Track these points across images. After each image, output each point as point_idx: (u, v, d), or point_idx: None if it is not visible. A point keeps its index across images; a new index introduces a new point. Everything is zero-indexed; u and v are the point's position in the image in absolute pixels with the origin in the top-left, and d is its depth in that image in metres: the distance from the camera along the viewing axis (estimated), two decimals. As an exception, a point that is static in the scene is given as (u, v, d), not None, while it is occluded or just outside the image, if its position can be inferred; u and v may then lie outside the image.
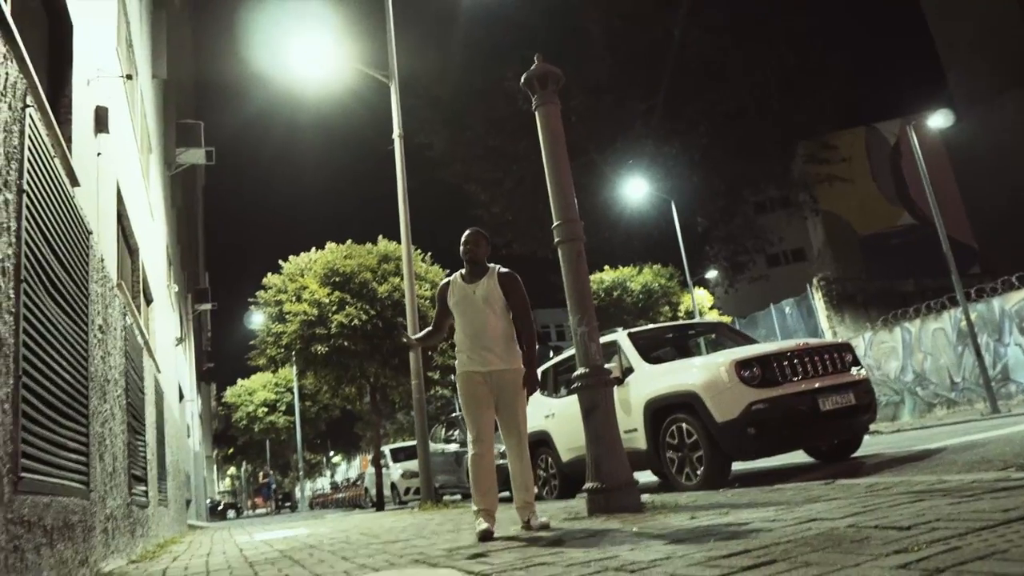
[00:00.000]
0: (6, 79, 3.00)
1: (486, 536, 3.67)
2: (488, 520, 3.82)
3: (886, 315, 18.62)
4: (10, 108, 3.04)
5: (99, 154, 5.51)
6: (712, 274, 30.79)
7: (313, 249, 14.55)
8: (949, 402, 16.56)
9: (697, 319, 19.32)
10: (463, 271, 4.37)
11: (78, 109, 4.75)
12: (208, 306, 23.65)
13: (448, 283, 4.38)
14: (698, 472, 5.83)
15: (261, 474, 30.68)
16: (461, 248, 4.36)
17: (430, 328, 4.55)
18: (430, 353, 13.88)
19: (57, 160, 3.85)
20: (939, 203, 15.15)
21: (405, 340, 4.92)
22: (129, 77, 7.45)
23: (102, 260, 5.13)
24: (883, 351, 18.33)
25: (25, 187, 3.16)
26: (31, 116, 3.32)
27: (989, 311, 15.66)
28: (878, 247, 37.63)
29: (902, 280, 22.54)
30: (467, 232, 4.40)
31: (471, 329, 4.15)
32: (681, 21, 25.31)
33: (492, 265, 4.34)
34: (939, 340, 16.86)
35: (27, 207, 3.16)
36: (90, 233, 4.63)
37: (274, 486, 33.52)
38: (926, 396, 17.17)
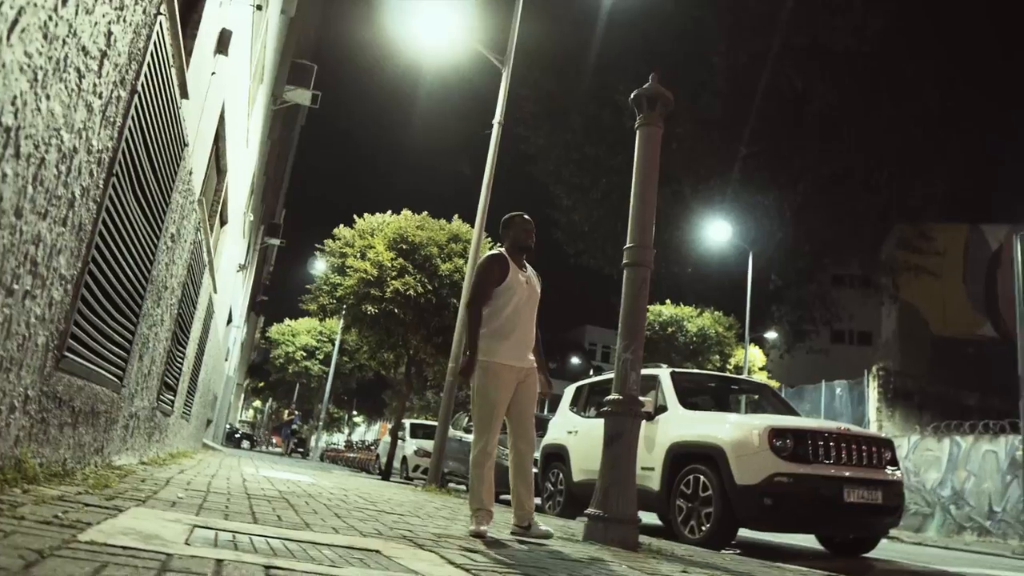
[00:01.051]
0: (145, -16, 3.14)
1: (481, 536, 3.64)
2: (488, 521, 3.80)
3: (939, 423, 17.90)
4: (144, 13, 3.18)
5: (213, 73, 5.71)
6: (772, 335, 30.08)
7: (389, 212, 14.78)
8: (982, 529, 15.83)
9: (745, 376, 18.93)
10: (504, 250, 4.14)
11: (205, 27, 4.93)
12: (277, 242, 24.25)
13: (505, 259, 4.06)
14: (703, 528, 5.72)
15: (287, 412, 29.63)
16: (521, 232, 4.13)
17: (481, 309, 4.00)
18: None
19: (174, 70, 4.00)
20: (1025, 324, 14.46)
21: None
22: (259, 7, 7.70)
23: (190, 173, 5.32)
24: (926, 459, 17.62)
25: (139, 89, 3.30)
26: (161, 24, 3.47)
27: (1049, 447, 14.90)
28: (950, 352, 36.12)
29: (967, 392, 21.63)
30: (524, 216, 4.21)
31: (516, 320, 3.95)
32: (808, 73, 24.73)
33: (525, 261, 4.21)
34: (988, 463, 16.12)
35: (136, 107, 3.30)
36: (186, 146, 4.81)
37: (295, 426, 32.07)
38: (959, 517, 16.44)
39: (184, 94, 4.44)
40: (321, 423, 33.55)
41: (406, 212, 14.69)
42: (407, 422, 18.41)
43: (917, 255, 28.86)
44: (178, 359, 6.93)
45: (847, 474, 5.62)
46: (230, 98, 7.32)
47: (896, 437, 17.67)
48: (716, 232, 23.78)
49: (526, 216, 4.23)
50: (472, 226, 11.25)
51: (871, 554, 6.74)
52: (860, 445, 5.84)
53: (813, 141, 25.32)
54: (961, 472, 16.72)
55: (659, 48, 25.09)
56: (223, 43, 5.74)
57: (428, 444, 14.20)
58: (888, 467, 6.00)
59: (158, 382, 5.85)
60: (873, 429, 18.86)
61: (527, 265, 4.20)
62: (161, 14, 3.45)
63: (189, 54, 4.59)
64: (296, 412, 29.20)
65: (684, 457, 6.09)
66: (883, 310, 38.45)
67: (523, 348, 4.01)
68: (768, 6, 24.53)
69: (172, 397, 7.04)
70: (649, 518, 6.99)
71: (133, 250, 3.83)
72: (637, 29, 25.96)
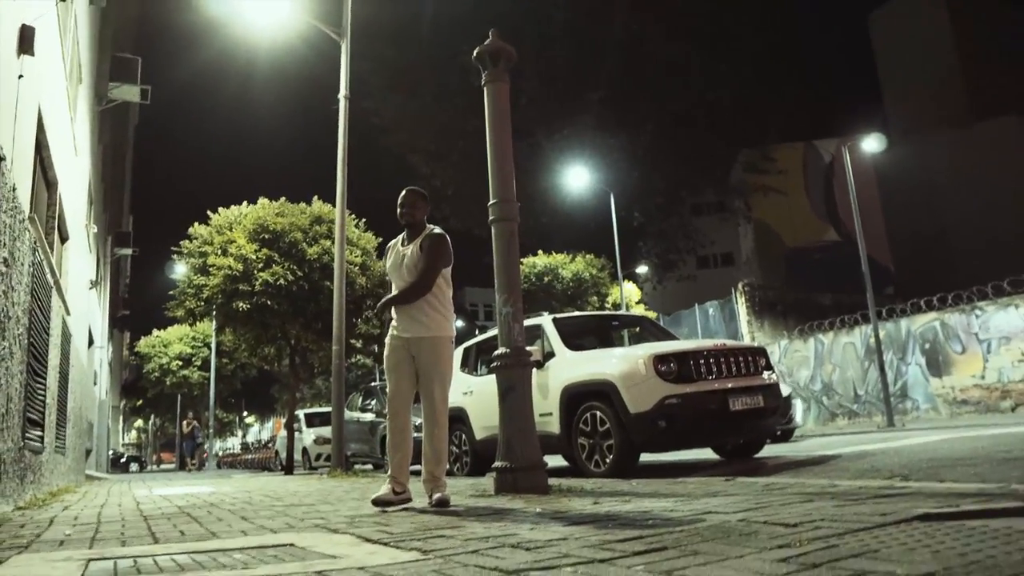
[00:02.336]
0: (-79, -16, 2.80)
1: (391, 504, 3.69)
2: (391, 488, 3.83)
3: (802, 325, 19.37)
4: (-77, 16, 2.85)
5: (21, 77, 5.21)
6: (642, 269, 31.36)
7: (244, 203, 14.13)
8: (851, 413, 17.39)
9: (623, 312, 19.66)
10: (404, 234, 4.25)
11: (1, 25, 4.48)
12: (129, 251, 22.77)
13: (389, 246, 4.31)
14: (607, 460, 5.96)
15: (184, 423, 26.59)
16: (398, 211, 4.18)
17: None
18: (354, 320, 13.71)
19: (-28, 78, 3.62)
20: (863, 224, 15.81)
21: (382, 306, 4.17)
22: None
23: (14, 190, 4.88)
24: (796, 359, 19.08)
25: (-67, 102, 2.97)
26: (-54, 27, 3.12)
27: (897, 330, 16.48)
28: (802, 259, 39.06)
29: (821, 293, 23.47)
30: (404, 192, 4.22)
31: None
32: (644, 21, 25.48)
33: (429, 227, 4.18)
34: (848, 354, 17.66)
35: (-67, 124, 2.97)
36: (2, 159, 4.39)
37: (200, 439, 27.43)
38: (831, 406, 17.97)
39: (-9, 103, 4.03)
40: (211, 430, 32.16)
41: (263, 200, 14.10)
42: (301, 413, 17.96)
43: (763, 176, 30.73)
44: (39, 391, 6.41)
45: (730, 385, 5.99)
46: (47, 103, 6.71)
47: (768, 344, 19.00)
48: (576, 178, 24.31)
49: (404, 193, 4.22)
50: (334, 206, 10.96)
51: (760, 454, 7.27)
52: (737, 357, 6.23)
53: (655, 83, 26.24)
54: (827, 366, 18.24)
55: (497, 8, 25.05)
56: (26, 42, 5.24)
57: (326, 431, 13.93)
58: (765, 373, 6.45)
59: (20, 419, 5.40)
60: (747, 340, 20.16)
61: (422, 235, 4.12)
62: (-53, 16, 3.10)
63: (-11, 59, 4.17)
64: (195, 423, 26.79)
65: (578, 397, 6.29)
66: (740, 231, 40.89)
67: (407, 319, 4.00)
68: None
69: (40, 433, 6.52)
70: (555, 461, 7.21)
71: (-37, 281, 3.48)
72: None
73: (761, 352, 6.65)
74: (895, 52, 44.56)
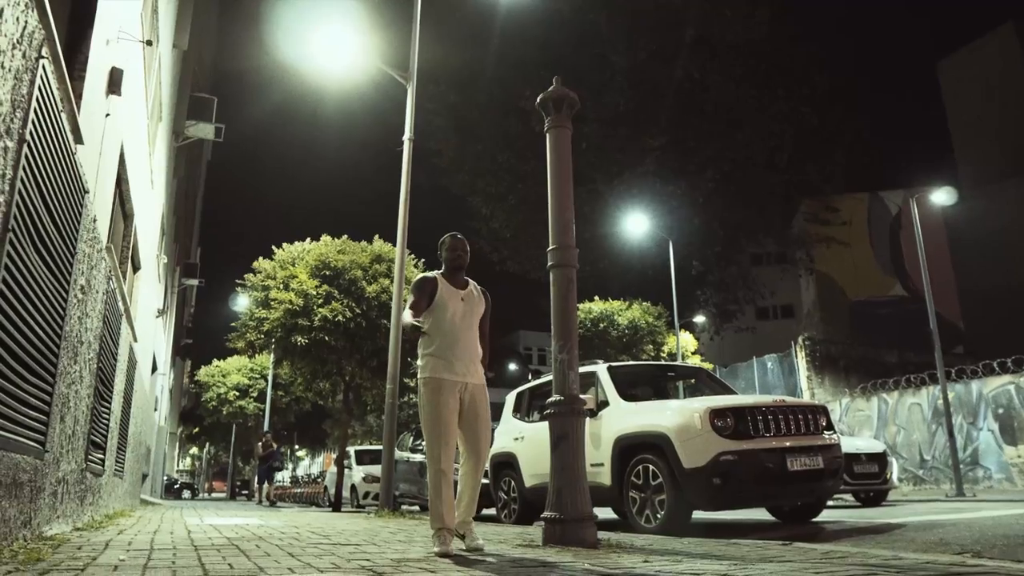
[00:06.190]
0: (24, 27, 2.99)
1: (448, 556, 3.58)
2: (451, 540, 3.80)
3: (866, 383, 18.71)
4: (24, 57, 3.03)
5: (108, 115, 5.49)
6: (700, 319, 30.88)
7: (308, 239, 14.50)
8: (916, 479, 16.61)
9: (679, 362, 19.34)
10: (442, 273, 4.24)
11: (93, 68, 4.73)
12: (195, 282, 23.51)
13: (435, 278, 4.17)
14: (658, 515, 5.80)
15: (260, 444, 21.41)
16: (449, 253, 4.23)
17: (412, 311, 4.02)
18: (409, 360, 13.82)
19: (64, 115, 3.82)
20: (931, 279, 15.28)
21: (416, 323, 4.03)
22: (149, 43, 7.45)
23: (94, 221, 5.10)
24: (858, 419, 18.40)
25: (28, 137, 3.13)
26: (44, 68, 3.31)
27: (967, 393, 15.76)
28: (867, 314, 37.89)
29: (886, 350, 22.69)
30: (456, 236, 4.30)
31: (451, 337, 4.03)
32: (705, 65, 25.55)
33: (467, 278, 4.30)
34: (914, 415, 16.94)
35: (26, 157, 3.14)
36: (86, 192, 4.60)
37: (277, 463, 22.05)
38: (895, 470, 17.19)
39: (79, 139, 4.24)
40: (258, 463, 32.57)
41: (326, 238, 14.44)
42: (352, 449, 18.07)
43: (826, 227, 30.17)
44: (103, 415, 6.61)
45: (788, 444, 5.79)
46: (129, 139, 7.05)
47: (828, 402, 18.39)
48: (635, 225, 24.24)
49: (457, 235, 4.31)
50: (394, 245, 11.14)
51: (819, 518, 6.98)
52: (797, 414, 6.04)
53: (716, 129, 26.19)
54: (891, 427, 17.51)
55: (559, 53, 25.52)
56: (115, 83, 5.52)
57: (376, 469, 13.96)
58: (826, 432, 6.22)
59: (84, 442, 5.56)
60: (806, 397, 19.57)
61: (469, 282, 4.27)
62: (43, 57, 3.29)
63: (79, 97, 4.40)
64: (274, 446, 21.49)
65: (631, 448, 6.17)
66: (801, 282, 40.01)
67: (464, 363, 4.03)
68: (660, 4, 25.24)
69: (102, 456, 6.71)
70: (605, 513, 7.05)
71: (41, 307, 3.63)
72: (536, 36, 26.36)
73: (822, 410, 6.42)
74: (965, 101, 43.49)
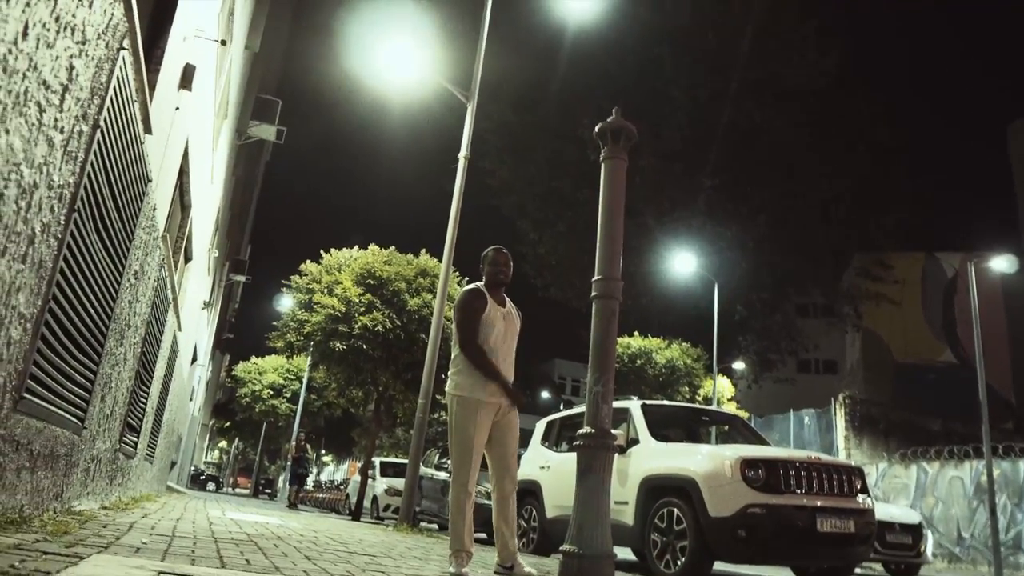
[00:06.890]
0: (109, 19, 3.11)
1: None
2: (468, 563, 3.75)
3: (906, 449, 18.13)
4: (107, 47, 3.14)
5: (177, 108, 5.66)
6: (739, 365, 30.36)
7: (356, 247, 14.71)
8: (952, 556, 15.96)
9: (714, 407, 19.01)
10: (482, 285, 4.07)
11: (168, 62, 4.90)
12: (242, 278, 23.99)
13: (484, 293, 3.99)
14: (679, 562, 5.67)
15: (293, 445, 22.39)
16: (491, 267, 4.09)
17: (477, 342, 3.91)
18: (443, 376, 13.84)
19: (137, 105, 3.95)
20: (984, 348, 14.77)
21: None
22: (223, 43, 7.68)
23: (154, 209, 5.24)
24: (895, 485, 17.80)
25: (101, 123, 3.25)
26: (124, 59, 3.43)
27: (1014, 472, 15.13)
28: (913, 378, 36.77)
29: (930, 417, 21.97)
30: (500, 250, 4.18)
31: (493, 356, 3.91)
32: (765, 106, 25.33)
33: (505, 295, 4.17)
34: (955, 488, 16.33)
35: (98, 142, 3.25)
36: (149, 181, 4.74)
37: (304, 470, 21.90)
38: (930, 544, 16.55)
39: (148, 129, 4.38)
40: (289, 462, 32.85)
41: (373, 247, 14.64)
42: (377, 460, 18.12)
43: (877, 283, 29.45)
44: (141, 399, 6.75)
45: (820, 504, 5.62)
46: (194, 133, 7.26)
47: (865, 465, 17.84)
48: (682, 263, 24.02)
49: (503, 250, 4.20)
50: (440, 260, 11.23)
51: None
52: (831, 474, 5.86)
53: (772, 174, 25.88)
54: (929, 498, 16.90)
55: (620, 83, 25.55)
56: (187, 78, 5.70)
57: (399, 483, 13.96)
58: (859, 495, 6.02)
59: (120, 423, 5.68)
60: (842, 457, 19.03)
61: (507, 299, 4.16)
62: (124, 49, 3.41)
63: (153, 89, 4.55)
64: (306, 448, 21.51)
65: (657, 490, 6.05)
66: (847, 338, 39.09)
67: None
68: (725, 44, 25.19)
69: (135, 439, 6.84)
70: (624, 553, 6.93)
71: (95, 287, 3.73)
72: (598, 65, 26.43)
73: (858, 472, 6.22)
74: (1032, 166, 42.24)
